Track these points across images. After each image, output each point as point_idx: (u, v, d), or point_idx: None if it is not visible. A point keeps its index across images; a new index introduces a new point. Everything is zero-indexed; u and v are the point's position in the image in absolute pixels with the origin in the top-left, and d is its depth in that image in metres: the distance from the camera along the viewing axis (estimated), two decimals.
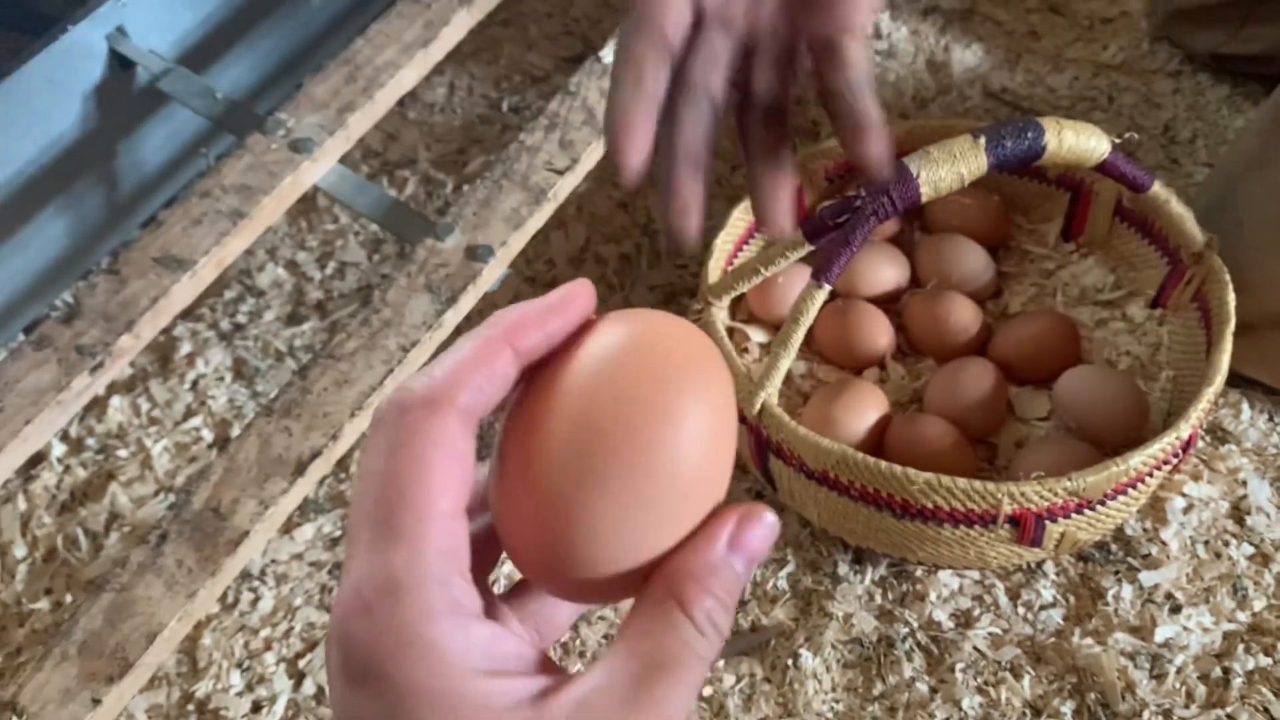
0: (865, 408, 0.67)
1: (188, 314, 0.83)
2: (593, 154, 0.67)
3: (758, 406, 0.63)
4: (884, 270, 0.75)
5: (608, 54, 0.72)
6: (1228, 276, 0.66)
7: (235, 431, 0.77)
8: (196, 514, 0.53)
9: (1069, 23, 0.97)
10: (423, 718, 0.24)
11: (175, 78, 0.73)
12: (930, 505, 0.60)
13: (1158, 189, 0.66)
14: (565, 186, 0.65)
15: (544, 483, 0.25)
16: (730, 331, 0.72)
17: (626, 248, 0.85)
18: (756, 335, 0.74)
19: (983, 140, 0.61)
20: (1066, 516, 0.61)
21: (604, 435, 0.25)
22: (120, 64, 0.74)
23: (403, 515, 0.25)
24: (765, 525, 0.27)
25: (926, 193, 0.61)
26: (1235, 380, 0.72)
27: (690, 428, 0.25)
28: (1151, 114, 0.89)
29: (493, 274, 0.63)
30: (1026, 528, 0.61)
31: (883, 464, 0.60)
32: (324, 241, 0.87)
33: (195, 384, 0.80)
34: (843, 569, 0.68)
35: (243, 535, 0.52)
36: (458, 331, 0.75)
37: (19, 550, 0.72)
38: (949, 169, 0.61)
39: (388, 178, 0.91)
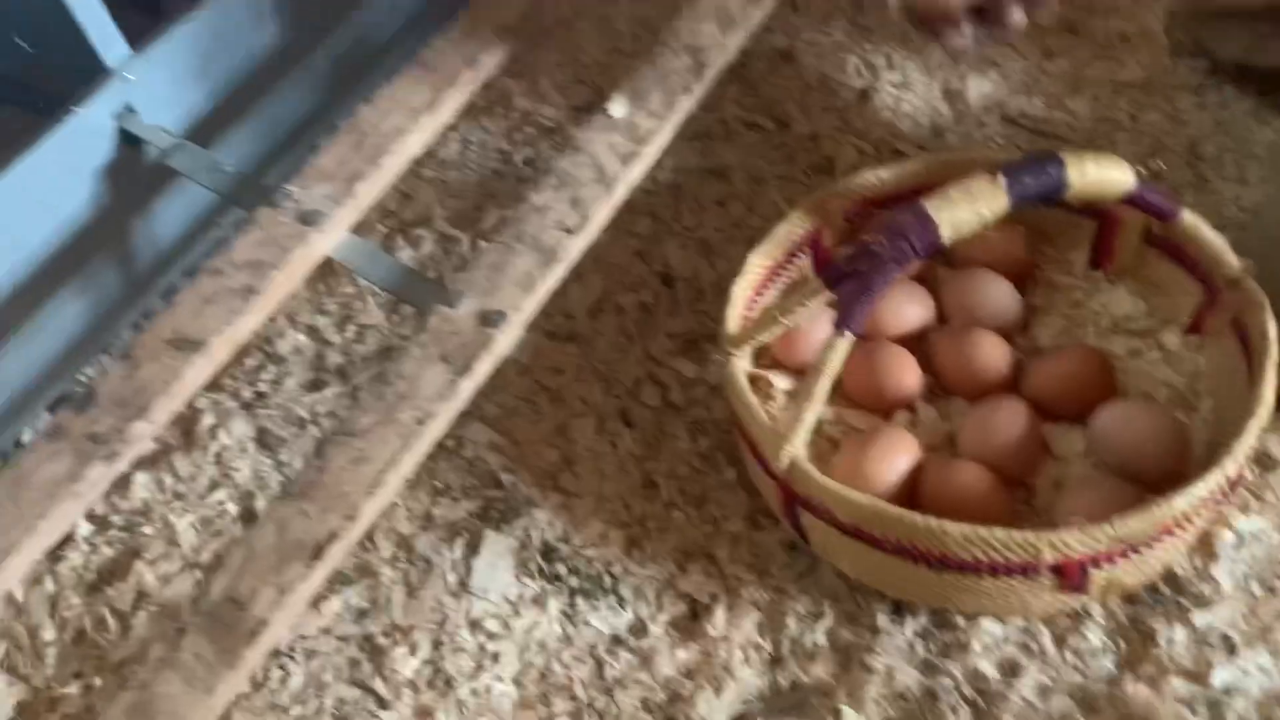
0: (896, 455, 0.66)
1: (209, 385, 0.82)
2: (603, 210, 0.66)
3: (785, 461, 0.62)
4: (908, 309, 0.73)
5: (615, 108, 0.71)
6: (1266, 302, 0.64)
7: (260, 503, 0.77)
8: (215, 605, 0.52)
9: (1086, 42, 0.95)
10: None
11: (184, 153, 0.73)
12: (969, 558, 0.58)
13: (1186, 216, 0.64)
14: (576, 245, 0.64)
15: None
16: (753, 379, 0.71)
17: (645, 296, 0.83)
18: (780, 382, 0.73)
19: (1002, 179, 0.59)
20: (1111, 562, 0.59)
21: None
22: (129, 141, 0.74)
23: None
24: None
25: (947, 235, 0.60)
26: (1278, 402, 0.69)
27: None
28: (1176, 131, 0.87)
29: (507, 339, 0.62)
30: (1070, 576, 0.59)
31: (917, 517, 0.58)
32: (343, 305, 0.87)
33: (219, 456, 0.79)
34: (882, 620, 0.66)
35: (261, 624, 0.51)
36: (482, 395, 0.74)
37: (48, 633, 0.72)
38: (969, 210, 0.59)
39: (403, 236, 0.90)
